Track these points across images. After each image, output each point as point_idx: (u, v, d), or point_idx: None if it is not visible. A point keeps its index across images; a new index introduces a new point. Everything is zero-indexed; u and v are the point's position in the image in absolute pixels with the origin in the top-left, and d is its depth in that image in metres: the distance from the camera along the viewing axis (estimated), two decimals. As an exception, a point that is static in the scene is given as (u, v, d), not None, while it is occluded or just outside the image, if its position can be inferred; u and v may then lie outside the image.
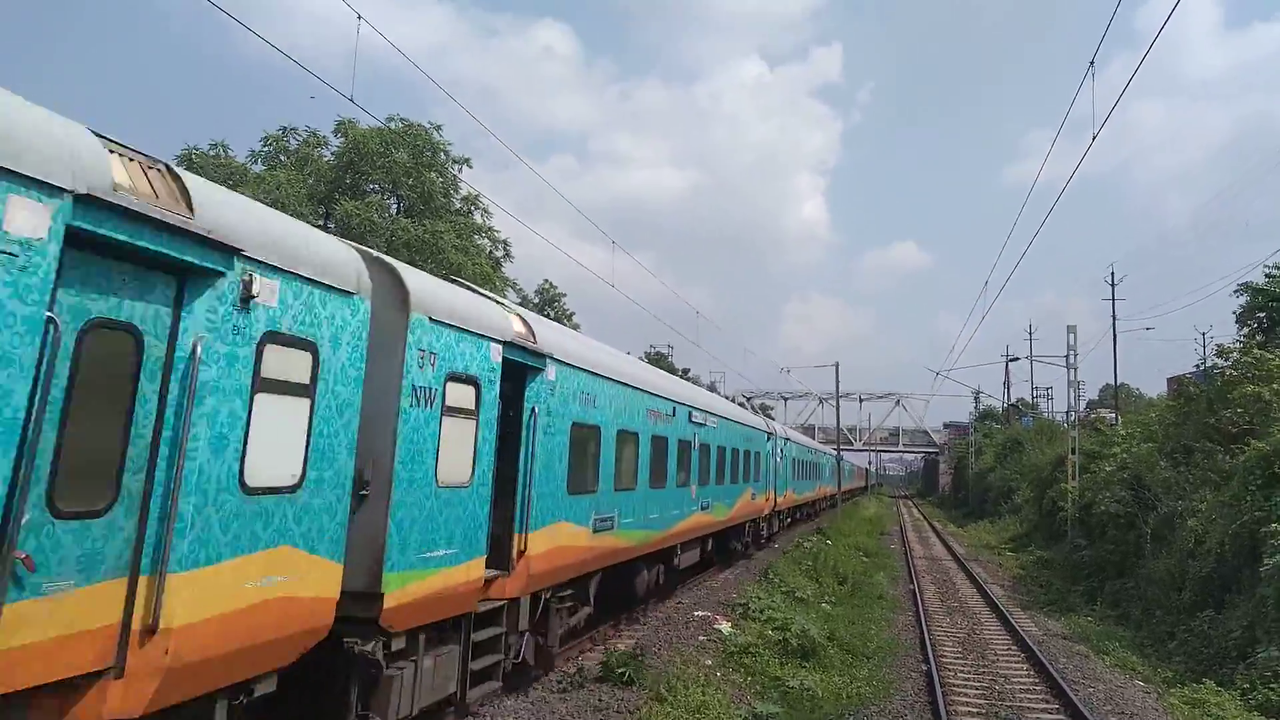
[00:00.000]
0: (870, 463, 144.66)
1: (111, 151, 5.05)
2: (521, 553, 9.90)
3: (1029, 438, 58.56)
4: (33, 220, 4.31)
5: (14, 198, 4.24)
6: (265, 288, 5.78)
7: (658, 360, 70.17)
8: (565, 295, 55.60)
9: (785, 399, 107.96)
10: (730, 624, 16.47)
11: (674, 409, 16.80)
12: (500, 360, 9.18)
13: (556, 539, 10.93)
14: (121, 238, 4.76)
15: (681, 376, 42.60)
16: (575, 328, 43.63)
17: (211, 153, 35.30)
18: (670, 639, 15.07)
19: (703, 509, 19.38)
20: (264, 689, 6.21)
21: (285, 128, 38.01)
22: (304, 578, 6.22)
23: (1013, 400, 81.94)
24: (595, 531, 12.30)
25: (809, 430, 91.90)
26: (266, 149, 37.50)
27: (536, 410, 10.18)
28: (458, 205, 39.11)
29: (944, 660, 15.44)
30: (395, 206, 37.23)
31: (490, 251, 40.73)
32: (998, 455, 64.89)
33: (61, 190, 4.45)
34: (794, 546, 30.13)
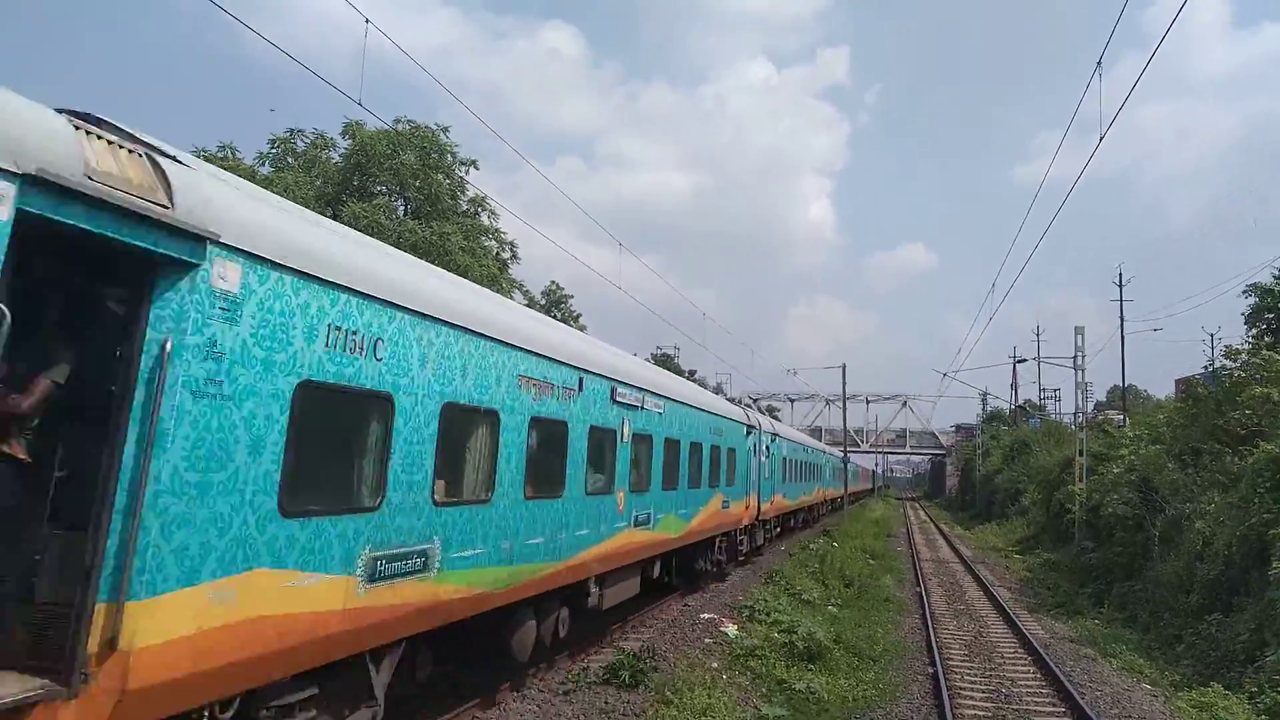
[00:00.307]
0: (877, 465, 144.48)
1: (85, 132, 4.77)
2: (109, 646, 4.74)
3: (1036, 439, 58.36)
4: None
5: None
6: None
7: (664, 361, 70.16)
8: (572, 296, 55.70)
9: (792, 400, 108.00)
10: (736, 626, 16.44)
11: (580, 380, 11.61)
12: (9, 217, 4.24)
13: (241, 606, 5.63)
14: (83, 225, 4.50)
15: (688, 378, 42.30)
16: (582, 329, 43.65)
17: (220, 154, 35.38)
18: (676, 641, 15.06)
19: (639, 524, 14.27)
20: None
21: (292, 130, 38.14)
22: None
23: (1020, 402, 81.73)
24: (370, 581, 6.86)
25: (815, 432, 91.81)
26: (274, 151, 37.63)
27: (173, 347, 5.06)
28: (465, 207, 39.18)
29: (950, 663, 15.40)
30: (403, 208, 37.29)
31: (497, 253, 40.78)
32: (1005, 457, 64.67)
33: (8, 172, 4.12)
34: (800, 549, 30.10)
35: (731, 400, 32.19)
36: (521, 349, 9.66)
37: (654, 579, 16.79)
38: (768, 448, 27.99)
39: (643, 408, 14.29)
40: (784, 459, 32.39)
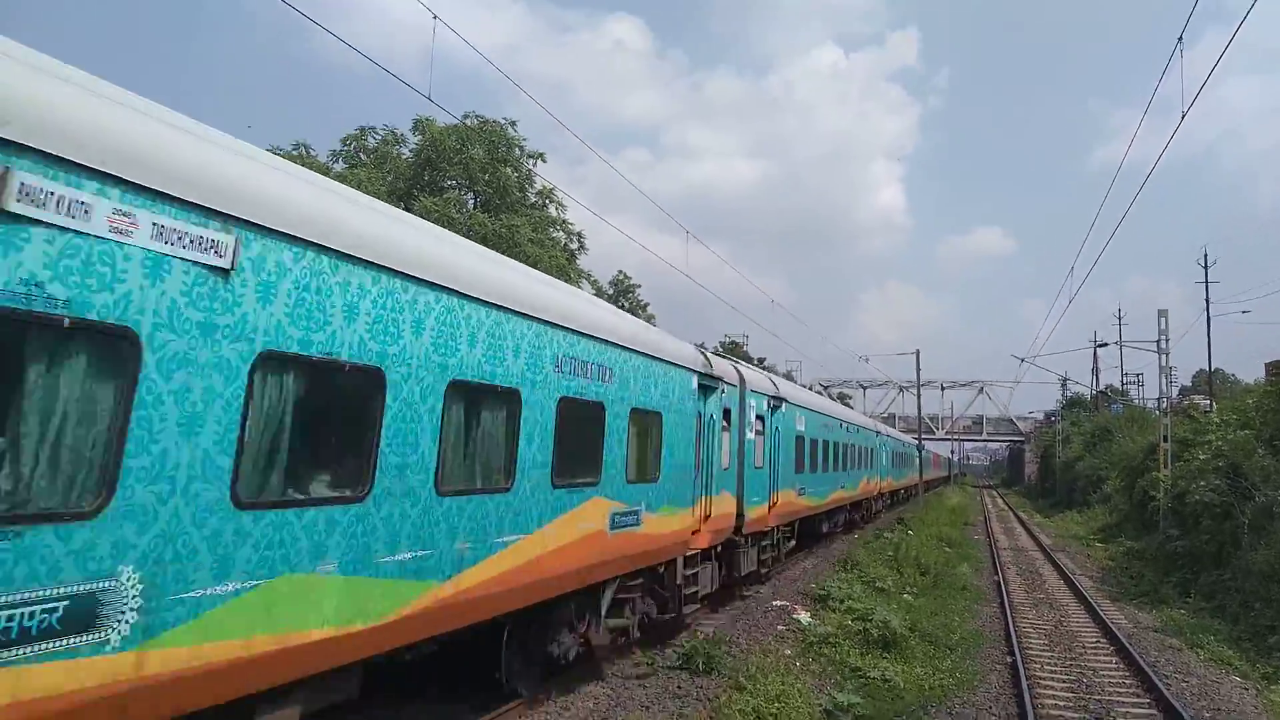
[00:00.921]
0: (953, 452, 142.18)
1: None
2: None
3: (1119, 425, 56.89)
4: None
5: None
6: None
7: (732, 349, 69.87)
8: (640, 286, 55.79)
9: (864, 388, 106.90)
10: (809, 614, 16.38)
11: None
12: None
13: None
14: None
15: (758, 365, 41.85)
16: (650, 319, 43.70)
17: (294, 152, 36.18)
18: (748, 628, 15.07)
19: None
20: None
21: (364, 127, 38.84)
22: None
23: (1101, 387, 79.63)
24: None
25: (889, 419, 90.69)
26: (347, 148, 38.37)
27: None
28: (533, 199, 39.51)
29: (1030, 652, 15.13)
30: (472, 202, 37.73)
31: (565, 244, 41.05)
32: (1086, 444, 63.19)
33: None
34: (875, 537, 29.80)
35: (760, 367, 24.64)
36: None
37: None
38: (760, 417, 18.12)
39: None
40: (800, 437, 22.40)
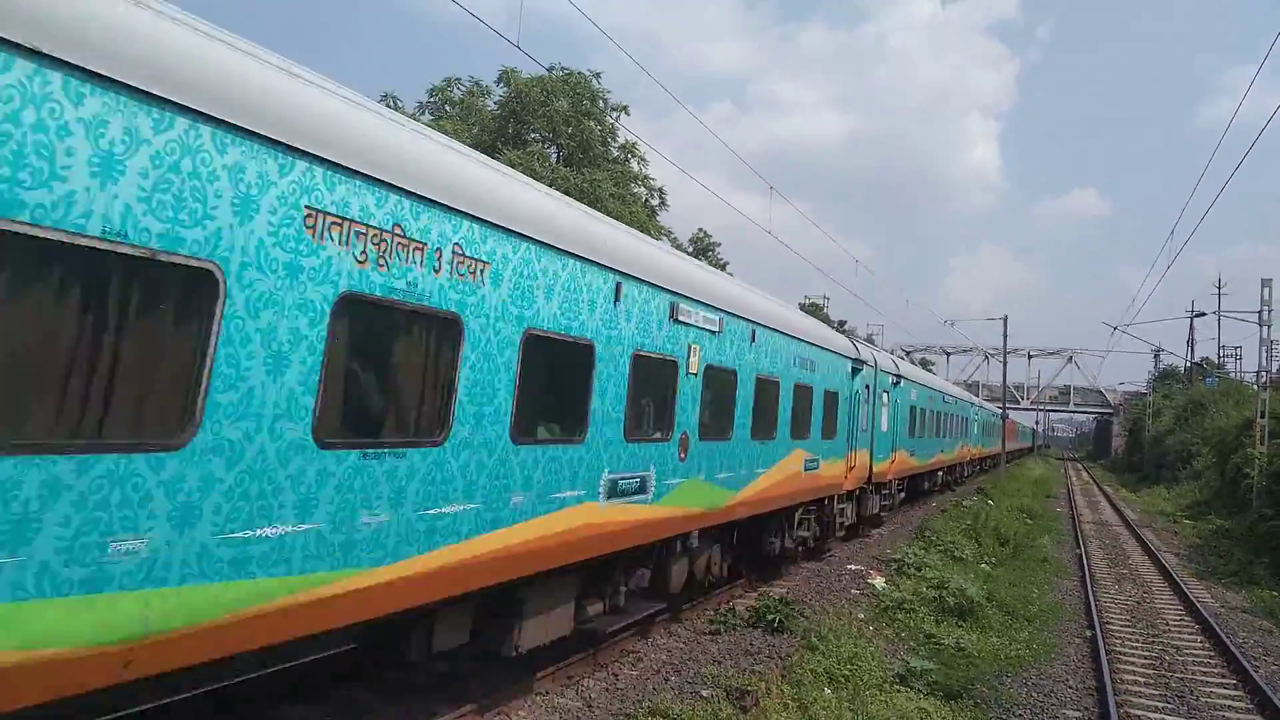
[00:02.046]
0: (1037, 422, 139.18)
1: None
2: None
3: (1213, 399, 55.02)
4: None
5: None
6: None
7: (812, 311, 69.18)
8: (720, 244, 55.37)
9: (948, 354, 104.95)
10: (883, 579, 16.26)
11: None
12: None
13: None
14: None
15: (838, 329, 41.32)
16: (730, 275, 43.44)
17: (383, 104, 36.56)
18: (822, 590, 15.03)
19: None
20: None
21: (450, 78, 39.03)
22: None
23: (1197, 359, 76.92)
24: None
25: (973, 387, 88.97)
26: (433, 100, 38.65)
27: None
28: (615, 154, 39.36)
29: (1110, 627, 14.79)
30: (555, 155, 37.76)
31: (646, 200, 40.88)
32: (1177, 417, 61.28)
33: None
34: (953, 505, 29.39)
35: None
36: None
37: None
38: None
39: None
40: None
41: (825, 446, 16.32)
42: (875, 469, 20.96)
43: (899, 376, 24.06)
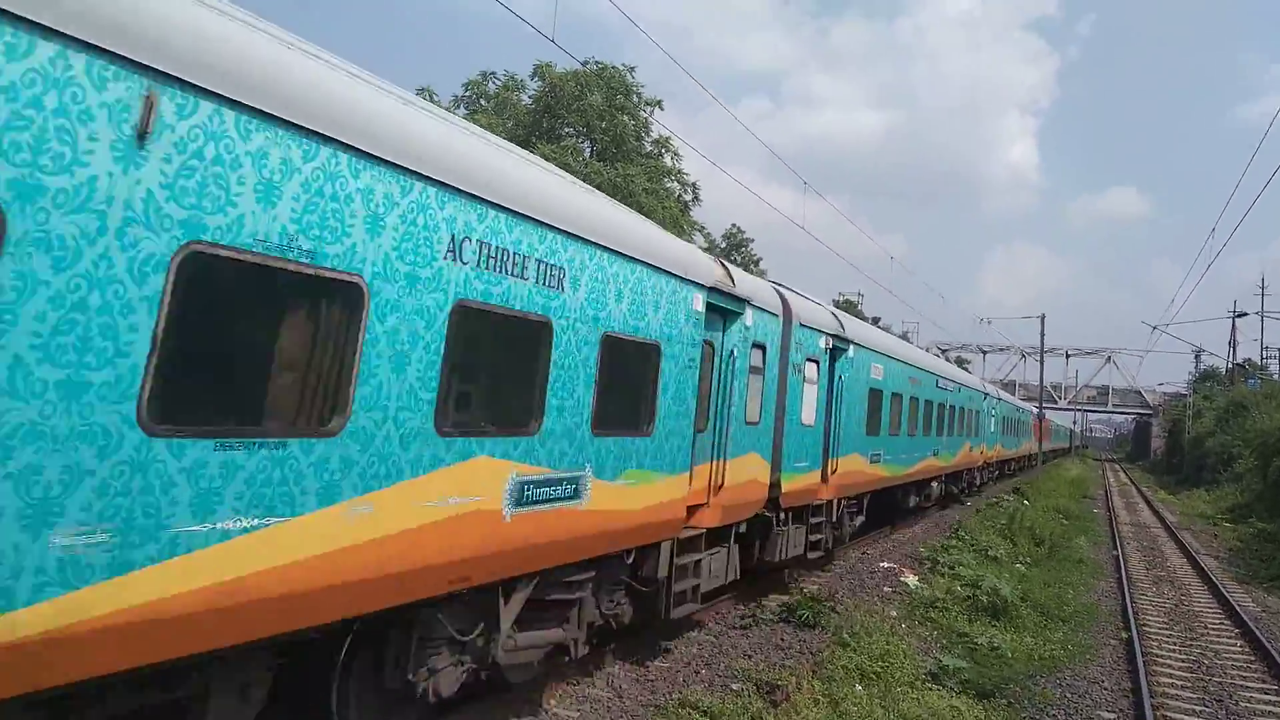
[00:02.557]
0: (1075, 422, 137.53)
1: None
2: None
3: (1255, 401, 54.11)
4: None
5: None
6: None
7: (847, 307, 68.81)
8: (753, 240, 55.23)
9: (984, 352, 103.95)
10: (917, 577, 16.14)
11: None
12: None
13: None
14: None
15: (872, 324, 41.17)
16: (761, 274, 43.21)
17: (419, 97, 36.78)
18: (854, 587, 14.95)
19: None
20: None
21: (485, 73, 39.19)
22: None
23: (1239, 360, 75.65)
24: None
25: (1009, 386, 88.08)
26: (468, 94, 38.82)
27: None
28: (648, 148, 39.33)
29: (1147, 629, 14.59)
30: (589, 150, 37.79)
31: (679, 195, 40.83)
32: (1218, 419, 60.34)
33: None
34: (989, 505, 29.15)
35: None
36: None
37: None
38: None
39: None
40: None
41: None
42: (788, 485, 12.89)
43: (844, 341, 15.48)
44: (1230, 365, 75.34)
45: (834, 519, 15.89)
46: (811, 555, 14.67)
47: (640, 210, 28.85)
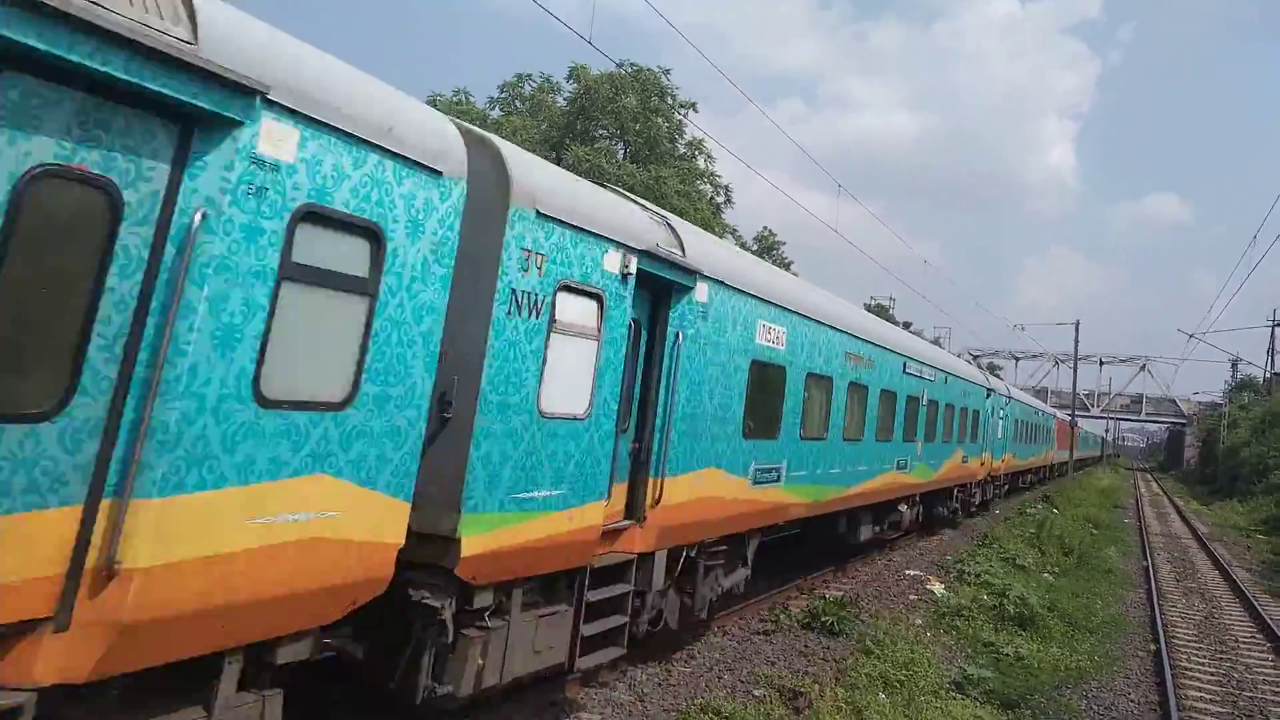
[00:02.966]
0: (1107, 431, 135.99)
1: None
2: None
3: (1292, 412, 53.35)
4: None
5: None
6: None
7: (879, 312, 68.54)
8: (784, 243, 55.14)
9: (1017, 359, 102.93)
10: (943, 585, 16.10)
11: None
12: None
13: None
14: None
15: (903, 328, 40.81)
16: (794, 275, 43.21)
17: (454, 99, 37.06)
18: (879, 594, 14.94)
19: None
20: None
21: (521, 75, 39.46)
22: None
23: (1277, 370, 74.53)
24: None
25: (1041, 393, 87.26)
26: (504, 96, 39.11)
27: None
28: (682, 150, 39.42)
29: (1176, 642, 14.47)
30: (622, 152, 37.92)
31: (711, 197, 40.88)
32: (1254, 429, 59.48)
33: None
34: (1017, 513, 28.93)
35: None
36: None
37: None
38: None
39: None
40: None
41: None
42: (488, 537, 7.64)
43: (685, 271, 8.85)
44: (1268, 374, 74.26)
45: (662, 585, 9.21)
46: (589, 662, 8.03)
47: (674, 212, 28.96)
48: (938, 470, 20.98)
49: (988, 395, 27.52)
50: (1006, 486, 35.48)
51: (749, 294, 10.45)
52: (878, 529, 17.66)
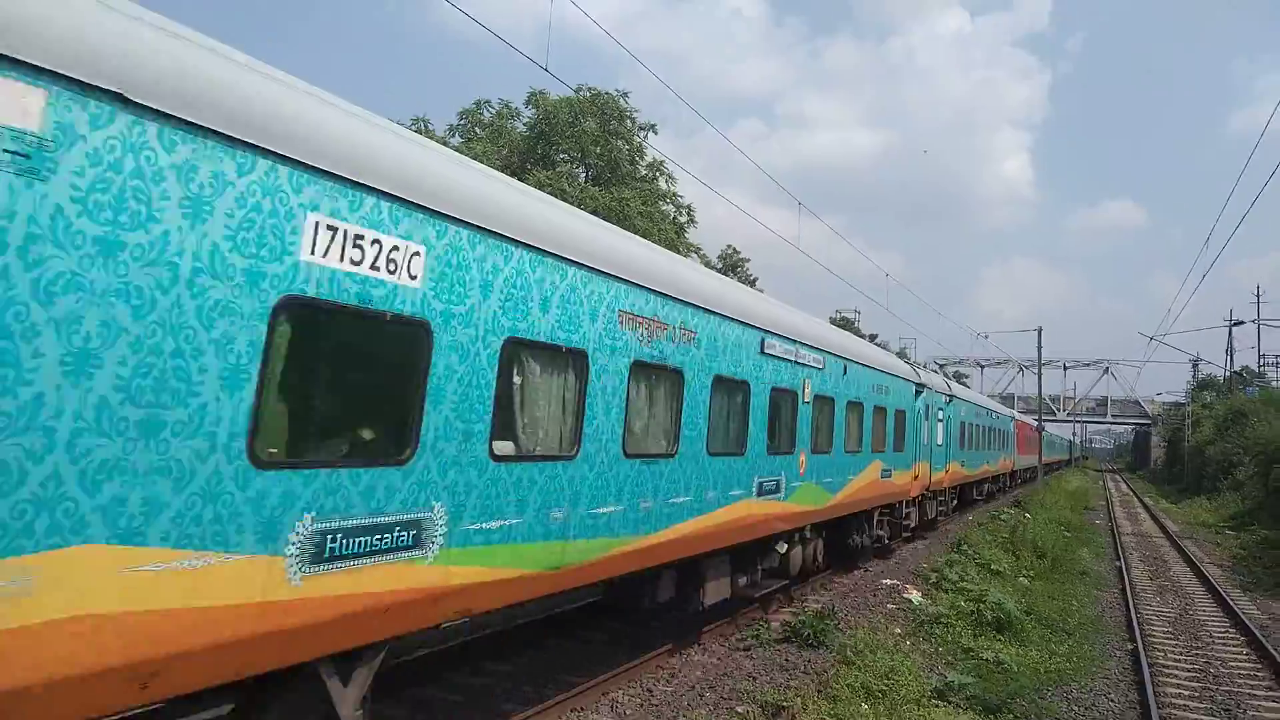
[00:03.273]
0: (1075, 434, 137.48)
1: None
2: None
3: (1254, 409, 54.12)
4: None
5: None
6: None
7: (844, 325, 68.91)
8: (749, 260, 55.40)
9: (982, 366, 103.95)
10: (920, 593, 16.12)
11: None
12: None
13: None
14: None
15: (869, 341, 40.87)
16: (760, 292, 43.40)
17: (414, 127, 37.00)
18: (858, 605, 14.93)
19: None
20: None
21: (480, 101, 39.48)
22: None
23: (1236, 368, 75.75)
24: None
25: (1008, 399, 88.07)
26: (463, 123, 39.08)
27: None
28: (643, 172, 39.57)
29: (1152, 640, 14.57)
30: (584, 175, 38.00)
31: (674, 217, 41.02)
32: (1218, 427, 60.33)
33: None
34: (990, 519, 29.09)
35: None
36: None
37: None
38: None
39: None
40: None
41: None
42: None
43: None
44: (1228, 374, 75.46)
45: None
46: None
47: (637, 233, 28.94)
48: (841, 490, 15.56)
49: (918, 393, 22.45)
50: (955, 501, 30.89)
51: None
52: (743, 580, 12.43)
